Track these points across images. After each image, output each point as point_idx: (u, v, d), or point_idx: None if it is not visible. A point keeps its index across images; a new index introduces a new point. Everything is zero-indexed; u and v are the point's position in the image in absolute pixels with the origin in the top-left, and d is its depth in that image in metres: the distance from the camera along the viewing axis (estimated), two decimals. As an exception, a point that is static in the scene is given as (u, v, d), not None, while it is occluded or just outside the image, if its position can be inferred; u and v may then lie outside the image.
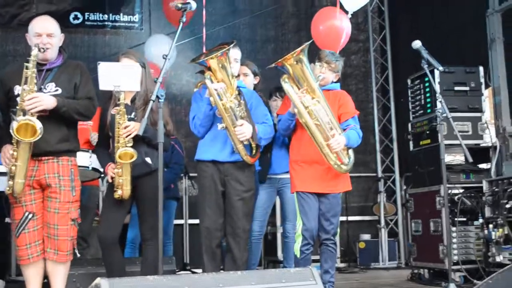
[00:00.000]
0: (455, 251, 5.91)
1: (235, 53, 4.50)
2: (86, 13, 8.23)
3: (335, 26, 6.84)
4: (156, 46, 7.33)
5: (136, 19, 8.43)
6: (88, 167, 5.09)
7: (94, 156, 5.05)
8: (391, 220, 9.02)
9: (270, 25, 9.25)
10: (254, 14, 8.96)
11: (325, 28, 6.91)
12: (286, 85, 4.40)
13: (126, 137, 4.23)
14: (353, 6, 6.98)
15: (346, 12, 6.93)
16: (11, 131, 3.80)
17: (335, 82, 4.76)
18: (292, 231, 5.52)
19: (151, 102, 3.67)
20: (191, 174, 7.17)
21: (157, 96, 3.63)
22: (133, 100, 4.47)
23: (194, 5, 3.91)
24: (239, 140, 4.30)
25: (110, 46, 8.49)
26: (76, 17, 8.17)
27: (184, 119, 8.33)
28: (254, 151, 4.45)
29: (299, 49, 4.34)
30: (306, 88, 4.39)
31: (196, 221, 7.36)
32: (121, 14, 8.38)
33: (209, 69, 4.26)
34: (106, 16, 8.31)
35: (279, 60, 4.40)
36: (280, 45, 9.16)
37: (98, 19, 8.29)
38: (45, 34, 4.08)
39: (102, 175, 5.31)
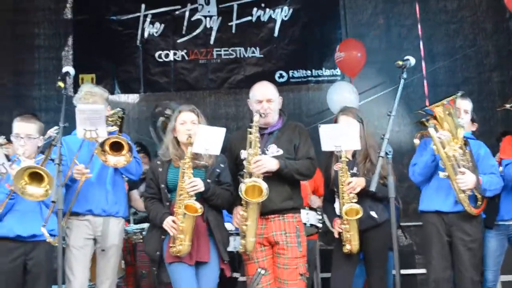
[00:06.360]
0: None
1: (465, 104, 4.48)
2: (290, 71, 8.56)
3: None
4: (338, 92, 7.86)
5: (338, 72, 8.55)
6: (306, 223, 5.22)
7: (311, 213, 5.22)
8: None
9: (468, 66, 8.92)
10: (452, 58, 8.72)
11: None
12: None
13: (350, 193, 4.32)
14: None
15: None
16: (239, 193, 4.08)
17: None
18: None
19: (380, 159, 3.74)
20: (400, 224, 7.07)
21: (385, 153, 3.69)
22: (353, 155, 4.56)
23: (413, 61, 3.95)
24: (461, 189, 4.23)
25: (314, 102, 8.73)
26: (281, 76, 8.53)
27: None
28: (479, 202, 4.33)
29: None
30: None
31: (408, 271, 7.27)
32: (323, 69, 8.60)
33: (435, 117, 4.27)
34: (309, 72, 8.60)
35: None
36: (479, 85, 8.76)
37: (301, 75, 8.60)
38: (265, 100, 4.36)
39: (320, 231, 5.43)
